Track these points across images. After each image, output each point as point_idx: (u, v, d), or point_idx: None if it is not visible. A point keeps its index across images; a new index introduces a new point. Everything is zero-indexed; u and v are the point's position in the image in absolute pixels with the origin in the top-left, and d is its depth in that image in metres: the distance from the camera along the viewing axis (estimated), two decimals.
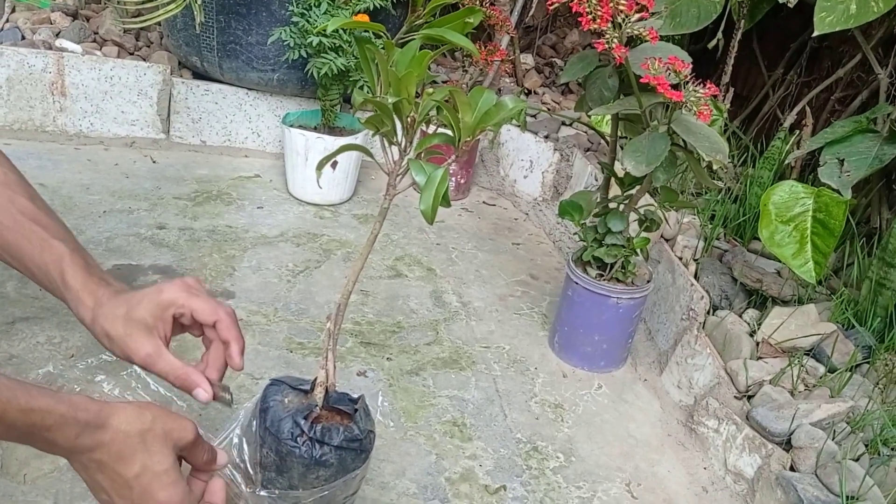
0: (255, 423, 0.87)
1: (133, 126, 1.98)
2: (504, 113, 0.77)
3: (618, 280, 1.37)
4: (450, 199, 0.80)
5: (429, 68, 0.80)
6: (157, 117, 1.99)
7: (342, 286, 0.90)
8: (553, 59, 2.58)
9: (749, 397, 1.25)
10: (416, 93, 0.77)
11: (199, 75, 2.01)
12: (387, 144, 0.82)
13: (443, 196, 0.76)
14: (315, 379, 0.89)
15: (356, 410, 0.88)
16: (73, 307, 0.88)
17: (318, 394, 0.88)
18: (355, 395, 0.91)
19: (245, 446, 0.88)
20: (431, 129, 1.73)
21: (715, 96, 1.03)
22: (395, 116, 0.78)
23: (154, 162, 1.92)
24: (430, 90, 0.76)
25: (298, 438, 0.83)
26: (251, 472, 0.86)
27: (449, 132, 0.80)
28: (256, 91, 2.01)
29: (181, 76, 2.01)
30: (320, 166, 0.85)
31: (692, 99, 1.00)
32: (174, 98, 1.99)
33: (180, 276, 1.46)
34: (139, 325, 0.85)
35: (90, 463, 0.70)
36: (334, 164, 1.80)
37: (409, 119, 0.77)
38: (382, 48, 0.78)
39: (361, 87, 1.79)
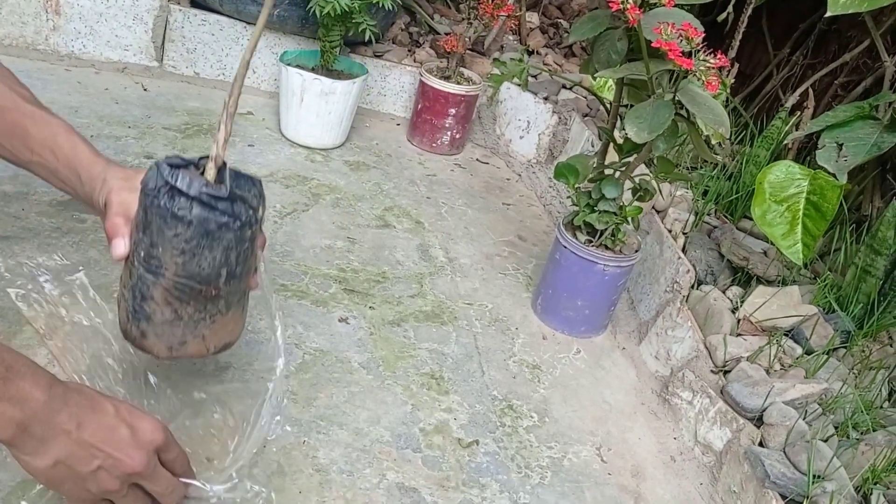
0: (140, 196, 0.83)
1: (126, 51, 1.93)
2: None
3: (606, 247, 1.37)
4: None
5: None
6: (152, 44, 1.94)
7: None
8: (559, 20, 2.54)
9: (725, 372, 1.27)
10: None
11: (197, 4, 1.96)
12: None
13: None
14: (206, 156, 0.81)
15: (233, 178, 0.81)
16: (89, 172, 0.91)
17: (210, 169, 0.80)
18: (256, 179, 0.84)
19: None
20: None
21: (724, 67, 1.01)
22: None
23: (145, 90, 1.88)
24: None
25: (161, 189, 0.78)
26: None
27: None
28: (255, 25, 1.96)
29: (178, 4, 1.96)
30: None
31: (702, 68, 0.98)
32: (170, 26, 1.94)
33: None
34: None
35: (69, 420, 0.66)
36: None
37: None
38: None
39: (364, 30, 1.75)
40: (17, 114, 0.92)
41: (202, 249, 0.80)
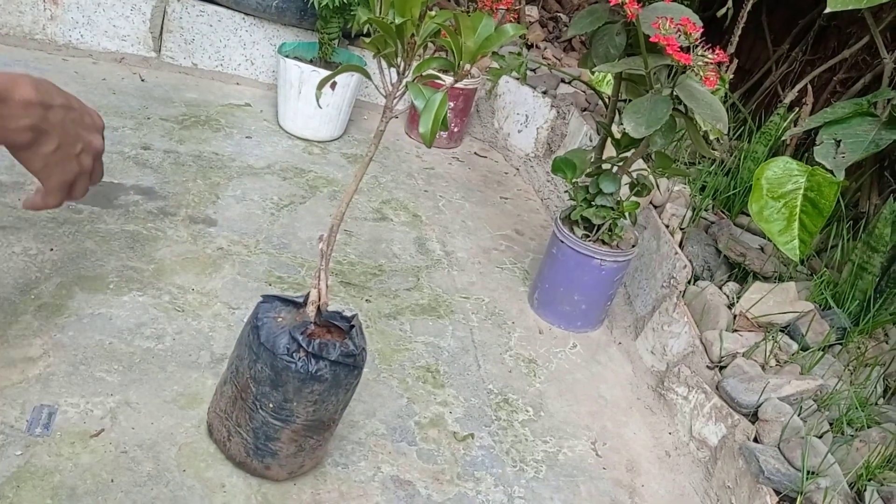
0: (248, 338, 0.88)
1: (124, 42, 1.92)
2: (505, 37, 0.76)
3: (603, 242, 1.37)
4: (448, 125, 0.80)
5: (430, 8, 0.79)
6: (149, 35, 1.93)
7: (326, 224, 0.89)
8: (558, 14, 2.53)
9: (721, 368, 1.27)
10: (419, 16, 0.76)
11: None
12: (385, 66, 0.81)
13: (442, 120, 0.76)
14: (307, 294, 0.89)
15: (352, 327, 0.89)
16: None
17: (311, 310, 0.88)
18: (348, 314, 0.91)
19: None
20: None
21: (722, 63, 1.01)
22: (397, 38, 0.77)
23: (143, 80, 1.87)
24: (433, 13, 0.75)
25: (295, 354, 0.84)
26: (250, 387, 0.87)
27: (446, 58, 0.80)
28: (253, 17, 1.95)
29: None
30: (320, 86, 0.85)
31: (700, 63, 0.98)
32: (168, 16, 1.93)
33: (162, 198, 1.44)
34: None
35: (61, 110, 0.73)
36: (333, 85, 1.76)
37: (409, 41, 0.76)
38: None
39: (365, 6, 1.75)
40: None
41: (332, 396, 0.88)
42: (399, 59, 0.78)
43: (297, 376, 0.84)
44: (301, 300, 0.90)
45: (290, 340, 0.84)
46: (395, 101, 0.81)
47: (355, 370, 0.88)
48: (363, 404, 1.12)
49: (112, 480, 0.89)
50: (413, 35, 0.76)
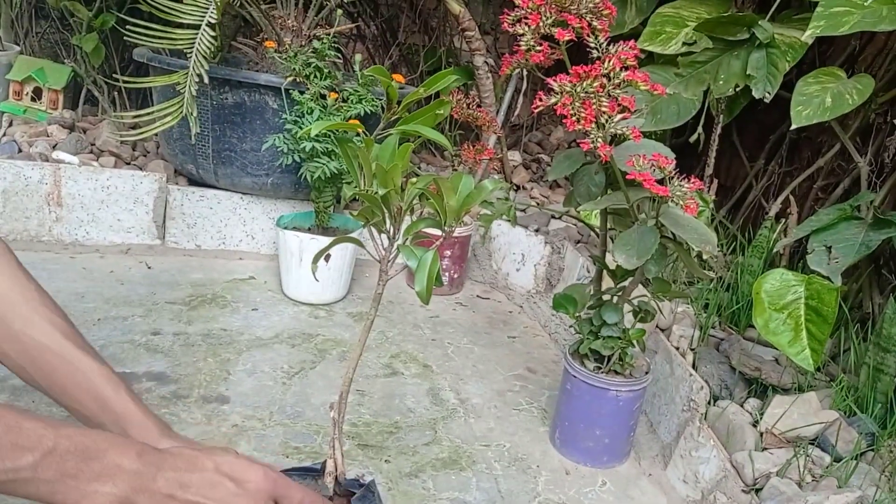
0: None
1: (129, 233, 2.00)
2: (485, 194, 0.80)
3: (616, 372, 1.36)
4: (442, 280, 0.82)
5: (418, 166, 0.84)
6: (153, 224, 2.01)
7: (338, 386, 0.90)
8: (540, 155, 2.65)
9: (757, 490, 1.22)
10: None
11: (195, 181, 2.05)
12: (376, 234, 0.84)
13: (436, 276, 0.79)
14: (324, 464, 0.88)
15: (371, 493, 0.88)
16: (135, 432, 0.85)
17: (329, 482, 0.87)
18: (365, 480, 0.90)
19: None
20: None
21: (700, 190, 1.05)
22: (383, 207, 0.81)
23: (149, 268, 1.93)
24: (414, 179, 0.79)
25: None
26: None
27: (433, 217, 0.83)
28: (251, 195, 2.04)
29: (177, 183, 2.05)
30: (315, 260, 0.88)
31: (678, 193, 1.02)
32: (170, 204, 2.02)
33: (174, 381, 1.45)
34: None
35: (169, 484, 0.64)
36: (328, 258, 1.81)
37: (395, 208, 0.80)
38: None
39: (349, 183, 1.83)
40: (59, 359, 0.87)
41: None
42: (388, 225, 0.82)
43: None
44: (318, 468, 0.90)
45: None
46: (388, 264, 0.84)
47: None
48: None
49: None
50: (398, 202, 0.80)
